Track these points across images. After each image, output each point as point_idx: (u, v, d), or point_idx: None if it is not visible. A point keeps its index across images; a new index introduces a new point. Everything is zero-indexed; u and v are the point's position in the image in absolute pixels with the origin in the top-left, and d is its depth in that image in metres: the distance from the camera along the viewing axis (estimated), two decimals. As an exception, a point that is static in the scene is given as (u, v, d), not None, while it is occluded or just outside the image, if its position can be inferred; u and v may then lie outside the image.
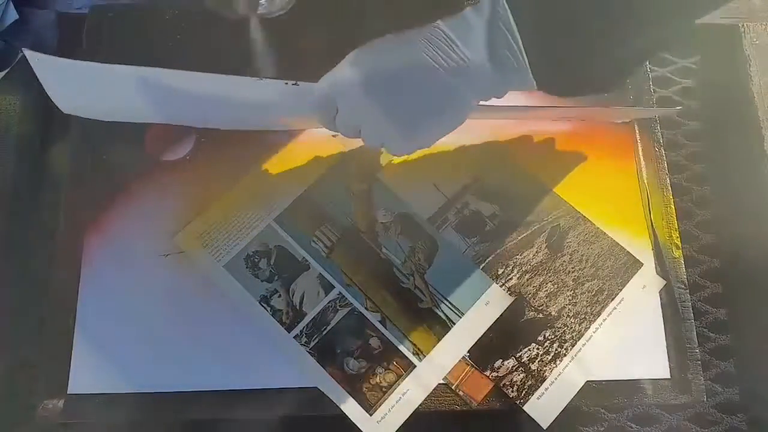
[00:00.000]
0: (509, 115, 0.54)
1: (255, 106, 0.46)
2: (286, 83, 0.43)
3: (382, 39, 0.42)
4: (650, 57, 0.41)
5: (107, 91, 0.47)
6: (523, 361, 0.48)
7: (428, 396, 0.47)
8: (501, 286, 0.50)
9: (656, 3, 0.38)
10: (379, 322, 0.49)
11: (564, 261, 0.51)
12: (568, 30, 0.38)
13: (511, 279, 0.50)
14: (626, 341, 0.49)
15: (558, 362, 0.48)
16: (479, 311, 0.49)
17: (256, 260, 0.51)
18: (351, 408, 0.47)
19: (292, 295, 0.50)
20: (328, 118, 0.44)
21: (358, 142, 0.55)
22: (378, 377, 0.48)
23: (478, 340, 0.49)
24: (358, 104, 0.42)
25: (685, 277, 0.51)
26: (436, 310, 0.49)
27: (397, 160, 0.54)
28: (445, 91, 0.41)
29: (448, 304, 0.50)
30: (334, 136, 0.49)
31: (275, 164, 0.54)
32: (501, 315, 0.49)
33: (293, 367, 0.48)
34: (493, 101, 0.43)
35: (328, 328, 0.49)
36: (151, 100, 0.47)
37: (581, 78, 0.41)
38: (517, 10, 0.38)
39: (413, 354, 0.48)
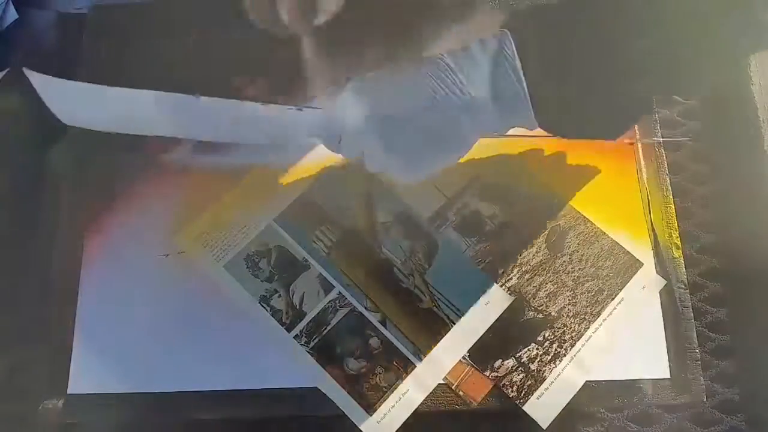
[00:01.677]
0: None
1: (258, 128, 0.46)
2: (290, 108, 0.43)
3: (384, 69, 0.42)
4: (655, 105, 0.42)
5: (106, 110, 0.47)
6: (522, 361, 0.48)
7: (428, 396, 0.47)
8: (501, 286, 0.50)
9: (664, 51, 0.38)
10: (379, 322, 0.49)
11: (564, 261, 0.51)
12: (574, 72, 0.38)
13: (511, 279, 0.50)
14: (626, 341, 0.49)
15: (558, 362, 0.48)
16: (479, 311, 0.49)
17: (256, 260, 0.51)
18: (351, 408, 0.47)
19: (292, 295, 0.50)
20: (332, 144, 0.45)
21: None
22: (378, 377, 0.48)
23: (478, 340, 0.49)
24: (360, 134, 0.42)
25: (685, 277, 0.51)
26: (436, 310, 0.49)
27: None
28: (447, 126, 0.41)
29: (448, 304, 0.50)
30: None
31: (275, 164, 0.54)
32: (501, 315, 0.49)
33: (293, 367, 0.48)
34: None
35: (328, 328, 0.49)
36: (156, 119, 0.47)
37: (584, 121, 0.41)
38: (524, 49, 0.38)
39: (413, 354, 0.48)
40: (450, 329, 0.49)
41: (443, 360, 0.48)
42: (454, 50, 0.40)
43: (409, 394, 0.47)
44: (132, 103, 0.45)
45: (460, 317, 0.49)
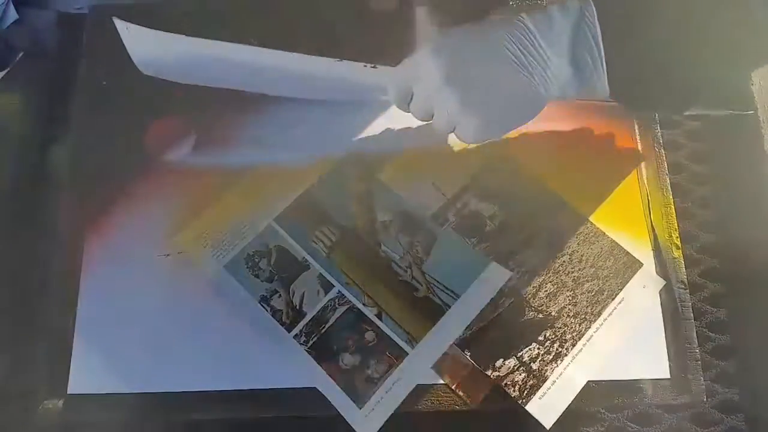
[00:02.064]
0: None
1: (332, 84, 0.48)
2: (365, 65, 0.45)
3: (463, 28, 0.43)
4: (727, 87, 0.44)
5: (190, 61, 0.49)
6: (524, 360, 0.48)
7: (428, 396, 0.47)
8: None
9: (744, 41, 0.39)
10: (376, 315, 0.49)
11: (564, 261, 0.51)
12: (651, 46, 0.39)
13: (511, 279, 0.50)
14: (626, 341, 0.49)
15: (559, 362, 0.48)
16: (476, 289, 0.49)
17: (256, 260, 0.51)
18: (345, 406, 0.47)
19: (292, 295, 0.50)
20: (402, 102, 0.46)
21: (358, 143, 0.55)
22: (370, 369, 0.48)
23: (478, 340, 0.48)
24: (434, 91, 0.43)
25: (685, 277, 0.51)
26: (432, 297, 0.49)
27: (397, 160, 0.54)
28: (522, 87, 0.42)
29: (444, 289, 0.49)
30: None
31: (275, 164, 0.54)
32: (501, 314, 0.49)
33: (293, 367, 0.48)
34: None
35: (326, 326, 0.49)
36: (231, 71, 0.49)
37: (656, 94, 0.42)
38: (604, 18, 0.39)
39: (406, 342, 0.48)
40: (445, 313, 0.49)
41: (437, 343, 0.48)
42: (535, 13, 0.41)
43: (400, 383, 0.47)
44: (219, 56, 0.47)
45: (457, 300, 0.49)
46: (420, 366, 0.48)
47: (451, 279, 0.50)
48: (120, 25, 0.47)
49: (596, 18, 0.39)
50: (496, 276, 0.50)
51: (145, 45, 0.48)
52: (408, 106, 0.46)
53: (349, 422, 0.46)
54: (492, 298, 0.49)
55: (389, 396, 0.47)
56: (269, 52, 0.45)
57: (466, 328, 0.49)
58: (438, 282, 0.50)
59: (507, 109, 0.43)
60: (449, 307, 0.49)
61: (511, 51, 0.41)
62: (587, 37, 0.40)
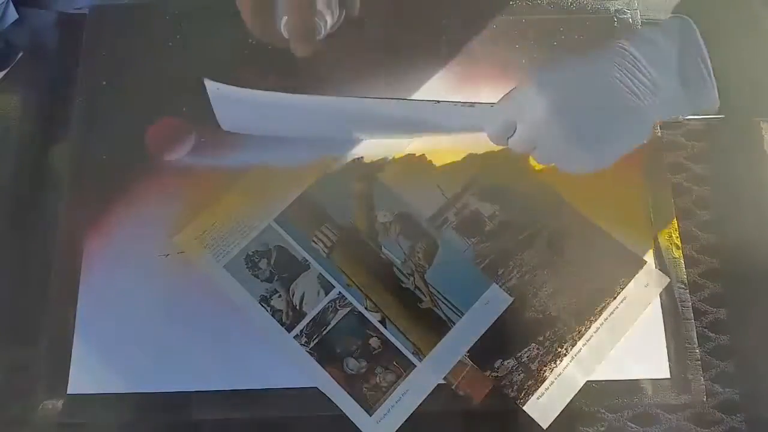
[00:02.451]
0: None
1: (428, 126, 0.48)
2: (462, 105, 0.45)
3: (566, 60, 0.43)
4: None
5: (277, 117, 0.49)
6: (522, 361, 0.48)
7: (428, 396, 0.47)
8: (501, 286, 0.50)
9: None
10: (379, 322, 0.49)
11: (564, 261, 0.51)
12: (754, 53, 0.40)
13: (511, 279, 0.50)
14: (626, 341, 0.49)
15: (558, 362, 0.48)
16: (479, 311, 0.49)
17: (256, 260, 0.51)
18: (351, 408, 0.47)
19: (292, 295, 0.50)
20: (502, 137, 0.45)
21: (358, 143, 0.55)
22: (378, 377, 0.48)
23: (478, 340, 0.49)
24: (539, 124, 0.42)
25: (685, 277, 0.51)
26: (436, 310, 0.49)
27: (397, 160, 0.54)
28: (631, 113, 0.41)
29: (448, 304, 0.50)
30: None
31: (275, 164, 0.54)
32: (501, 315, 0.49)
33: (293, 367, 0.48)
34: None
35: (328, 328, 0.49)
36: (327, 122, 0.49)
37: (762, 101, 0.42)
38: (707, 34, 0.39)
39: (413, 354, 0.48)
40: (450, 329, 0.49)
41: (443, 360, 0.48)
42: (634, 39, 0.41)
43: (409, 394, 0.47)
44: (314, 109, 0.47)
45: (460, 317, 0.49)
46: (427, 381, 0.48)
47: (454, 294, 0.50)
48: (210, 85, 0.46)
49: (698, 33, 0.39)
50: (497, 299, 0.50)
51: (234, 104, 0.48)
52: (507, 140, 0.45)
53: (360, 428, 0.46)
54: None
55: (399, 406, 0.47)
56: (363, 101, 0.45)
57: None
58: (441, 295, 0.50)
59: (617, 137, 0.43)
60: (453, 322, 0.49)
61: (620, 79, 0.40)
62: (692, 54, 0.40)
